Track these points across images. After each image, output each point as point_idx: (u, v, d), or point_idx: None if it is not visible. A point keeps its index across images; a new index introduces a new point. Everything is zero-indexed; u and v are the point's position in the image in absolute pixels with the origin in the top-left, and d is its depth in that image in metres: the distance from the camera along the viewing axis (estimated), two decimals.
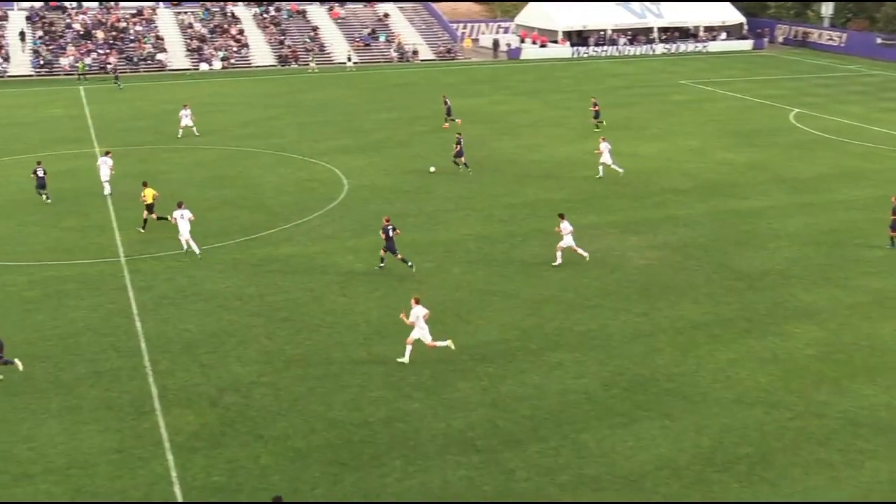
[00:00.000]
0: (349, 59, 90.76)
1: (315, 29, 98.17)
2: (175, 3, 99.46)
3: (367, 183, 45.67)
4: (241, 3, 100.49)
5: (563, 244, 33.75)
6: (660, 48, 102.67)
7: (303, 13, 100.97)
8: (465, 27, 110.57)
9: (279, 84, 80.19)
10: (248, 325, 28.70)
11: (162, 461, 21.18)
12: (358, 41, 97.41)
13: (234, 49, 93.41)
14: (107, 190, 43.52)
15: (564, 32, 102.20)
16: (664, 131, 58.39)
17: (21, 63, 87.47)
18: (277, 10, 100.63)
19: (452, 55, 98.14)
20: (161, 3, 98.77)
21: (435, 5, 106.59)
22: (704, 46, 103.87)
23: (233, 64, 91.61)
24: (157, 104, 70.42)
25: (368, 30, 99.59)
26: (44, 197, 42.61)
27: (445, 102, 60.52)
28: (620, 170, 46.42)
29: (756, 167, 48.98)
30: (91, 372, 25.51)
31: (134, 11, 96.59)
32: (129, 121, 62.12)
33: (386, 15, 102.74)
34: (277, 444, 21.88)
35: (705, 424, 22.83)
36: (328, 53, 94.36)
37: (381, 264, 33.51)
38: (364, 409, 23.52)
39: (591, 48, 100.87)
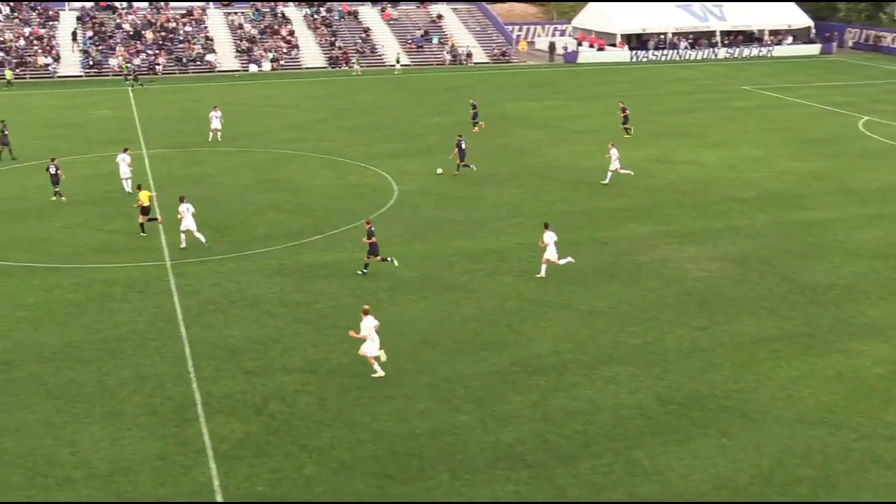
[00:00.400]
0: (397, 62, 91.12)
1: (366, 30, 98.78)
2: (225, 3, 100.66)
3: (417, 188, 45.80)
4: (291, 4, 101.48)
5: (548, 256, 33.36)
6: (722, 52, 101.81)
7: (354, 14, 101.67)
8: (520, 29, 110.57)
9: (329, 86, 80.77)
10: (293, 332, 28.91)
11: (205, 469, 21.39)
12: (410, 43, 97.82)
13: (284, 50, 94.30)
14: (127, 187, 44.50)
15: (623, 35, 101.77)
16: (726, 138, 57.83)
17: (71, 63, 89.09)
18: (329, 10, 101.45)
19: (507, 58, 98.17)
20: (211, 4, 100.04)
21: (490, 7, 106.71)
22: (769, 51, 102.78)
23: (282, 65, 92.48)
24: (205, 106, 71.12)
25: (421, 31, 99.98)
26: (56, 196, 43.56)
27: (473, 107, 60.76)
28: (630, 172, 46.83)
29: (822, 177, 48.32)
30: (135, 377, 25.86)
31: (184, 11, 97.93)
32: (176, 122, 62.95)
33: (439, 16, 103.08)
34: (322, 455, 21.99)
35: (765, 444, 22.53)
36: (379, 55, 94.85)
37: (365, 270, 33.90)
38: (410, 420, 23.55)
39: (650, 52, 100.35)
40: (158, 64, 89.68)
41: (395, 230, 39.08)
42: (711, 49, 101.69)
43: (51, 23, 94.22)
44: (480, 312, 30.29)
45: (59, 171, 43.82)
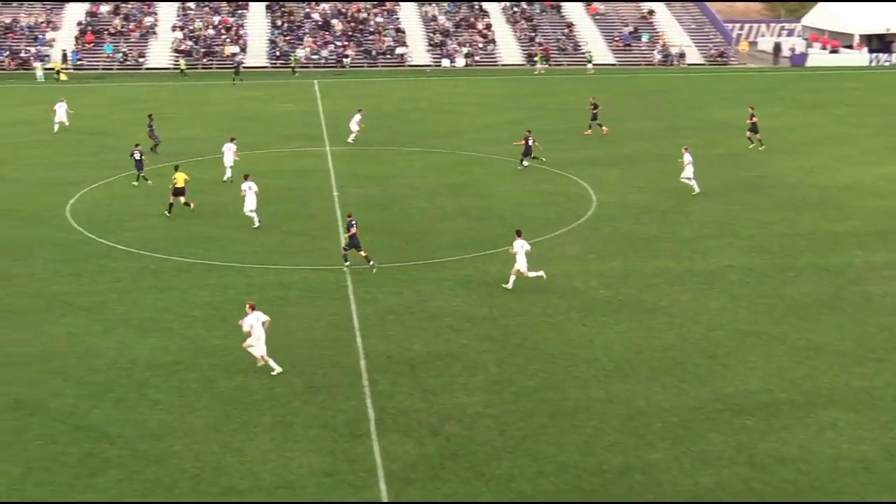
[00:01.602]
0: (589, 62, 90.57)
1: (569, 26, 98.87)
2: None
3: (616, 200, 45.40)
4: None
5: (517, 266, 33.40)
6: None
7: (557, 8, 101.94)
8: (741, 28, 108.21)
9: (525, 85, 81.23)
10: (477, 349, 29.11)
11: (374, 490, 21.77)
12: (617, 40, 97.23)
13: (480, 45, 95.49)
14: (227, 175, 47.04)
15: (862, 36, 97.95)
16: None
17: (257, 54, 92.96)
18: (529, 3, 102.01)
19: (724, 60, 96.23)
20: None
21: (709, 3, 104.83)
22: None
23: (477, 61, 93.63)
24: (393, 102, 73.02)
25: (630, 28, 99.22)
26: (142, 180, 47.37)
27: (594, 106, 60.19)
28: (696, 188, 45.89)
29: None
30: (306, 387, 26.61)
31: (376, 1, 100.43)
32: (362, 119, 64.48)
33: (651, 12, 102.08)
34: (500, 485, 22.02)
35: None
36: (583, 53, 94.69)
37: (347, 263, 35.45)
38: (599, 454, 23.30)
39: (894, 55, 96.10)
40: (346, 56, 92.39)
41: (590, 245, 38.85)
42: None
43: (240, 11, 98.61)
44: (682, 340, 29.69)
45: (143, 157, 47.70)
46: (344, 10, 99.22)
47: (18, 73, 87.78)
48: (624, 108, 69.82)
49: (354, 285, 34.20)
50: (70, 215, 42.89)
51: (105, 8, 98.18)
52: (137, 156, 47.37)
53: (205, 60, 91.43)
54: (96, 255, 37.55)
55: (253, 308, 27.36)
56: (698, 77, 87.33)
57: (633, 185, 47.95)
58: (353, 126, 58.22)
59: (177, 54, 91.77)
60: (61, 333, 29.98)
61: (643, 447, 23.60)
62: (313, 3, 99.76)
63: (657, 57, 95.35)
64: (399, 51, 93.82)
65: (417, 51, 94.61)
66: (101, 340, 29.37)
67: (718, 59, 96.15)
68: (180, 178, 42.51)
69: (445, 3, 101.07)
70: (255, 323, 27.13)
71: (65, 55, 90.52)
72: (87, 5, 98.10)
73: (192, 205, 42.60)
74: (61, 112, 61.72)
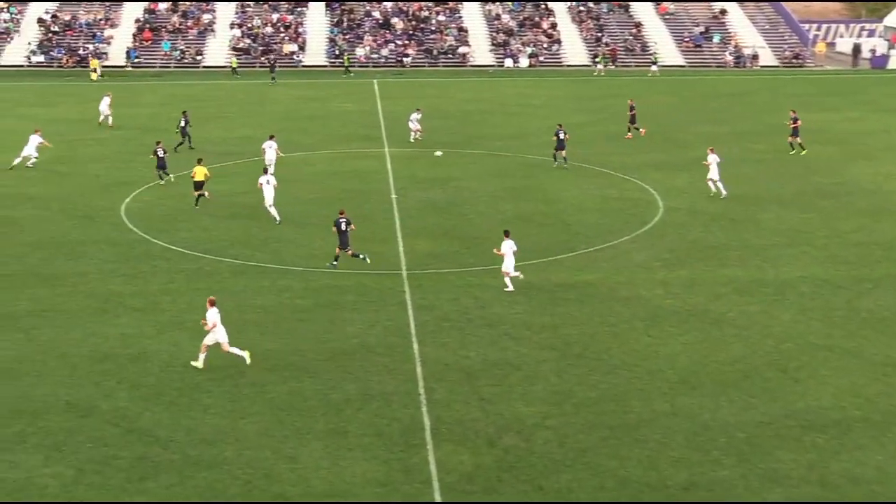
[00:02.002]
0: (654, 63, 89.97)
1: (638, 25, 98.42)
2: None
3: (684, 206, 45.09)
4: None
5: (505, 268, 33.97)
6: None
7: (625, 7, 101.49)
8: (818, 29, 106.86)
9: (591, 86, 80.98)
10: (536, 358, 29.06)
11: (429, 501, 21.82)
12: (687, 41, 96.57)
13: (545, 45, 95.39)
14: (270, 171, 47.02)
15: None
16: None
17: (316, 52, 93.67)
18: (596, 2, 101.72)
19: (800, 62, 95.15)
20: None
21: (784, 3, 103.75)
22: None
23: (541, 62, 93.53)
24: (455, 103, 73.16)
25: (701, 29, 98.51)
26: (168, 177, 48.47)
27: (631, 108, 60.22)
28: (723, 192, 45.84)
29: None
30: (361, 394, 26.74)
31: None
32: (422, 120, 64.67)
33: (723, 12, 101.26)
34: (559, 498, 21.95)
35: None
36: (650, 53, 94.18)
37: (335, 262, 36.32)
38: (662, 469, 23.14)
39: None
40: (407, 55, 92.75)
41: (656, 252, 38.61)
42: None
43: (299, 9, 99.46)
44: (751, 353, 29.40)
45: (166, 154, 48.91)
46: (405, 9, 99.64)
47: (76, 71, 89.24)
48: (693, 112, 69.36)
49: (412, 290, 34.32)
50: (125, 215, 43.53)
51: (163, 5, 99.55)
52: (161, 153, 48.52)
53: (262, 59, 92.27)
54: (150, 256, 38.07)
55: (213, 304, 28.22)
56: (772, 80, 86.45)
57: (702, 190, 47.56)
58: (412, 125, 58.45)
59: (234, 52, 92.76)
60: (114, 334, 30.43)
61: (708, 463, 23.40)
62: (374, 2, 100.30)
63: (729, 59, 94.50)
64: (461, 50, 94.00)
65: (480, 50, 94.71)
66: (153, 342, 29.76)
67: (793, 61, 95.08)
68: (200, 172, 44.24)
69: (510, 2, 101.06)
70: (216, 318, 28.00)
71: (129, 53, 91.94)
72: (145, 2, 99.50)
73: (207, 193, 44.40)
74: (104, 106, 63.55)
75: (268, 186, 42.13)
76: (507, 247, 34.12)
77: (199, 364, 28.06)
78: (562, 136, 51.66)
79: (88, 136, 61.12)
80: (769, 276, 36.19)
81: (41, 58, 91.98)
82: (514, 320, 31.86)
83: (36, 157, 52.07)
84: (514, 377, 27.80)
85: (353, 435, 24.55)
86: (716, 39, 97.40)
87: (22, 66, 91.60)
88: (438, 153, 51.44)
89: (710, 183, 46.44)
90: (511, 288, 34.15)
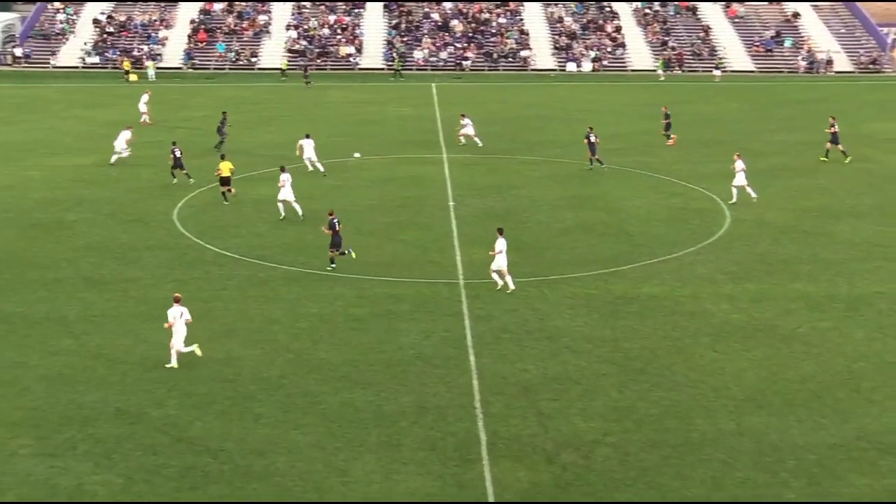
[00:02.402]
0: (716, 67, 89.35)
1: (706, 29, 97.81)
2: None
3: (753, 217, 44.68)
4: None
5: (500, 265, 34.69)
6: None
7: (693, 10, 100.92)
8: None
9: (657, 92, 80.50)
10: (596, 372, 28.93)
11: None
12: (757, 45, 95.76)
13: (609, 49, 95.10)
14: (315, 168, 49.39)
15: None
16: None
17: (373, 55, 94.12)
18: (663, 5, 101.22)
19: (877, 67, 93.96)
20: None
21: (861, 5, 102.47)
22: None
23: (605, 66, 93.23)
24: (515, 108, 73.17)
25: (771, 32, 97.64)
26: (183, 177, 49.85)
27: (666, 116, 60.17)
28: (753, 195, 46.26)
29: None
30: (416, 406, 26.76)
31: (499, 1, 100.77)
32: (481, 125, 64.69)
33: (795, 15, 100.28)
34: None
35: None
36: (720, 58, 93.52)
37: (351, 254, 37.33)
38: (727, 490, 22.92)
39: None
40: (466, 59, 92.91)
41: (723, 265, 38.28)
42: None
43: (356, 10, 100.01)
44: (822, 371, 29.04)
45: (182, 155, 50.17)
46: (465, 11, 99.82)
47: (130, 72, 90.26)
48: (762, 120, 68.79)
49: (469, 301, 34.32)
50: (177, 219, 44.01)
51: (218, 6, 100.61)
52: (178, 153, 49.91)
53: (319, 61, 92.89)
54: (203, 262, 38.44)
55: (178, 301, 29.06)
56: (847, 86, 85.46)
57: (772, 201, 47.14)
58: (468, 130, 58.72)
59: (289, 54, 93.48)
60: (165, 341, 30.70)
61: (776, 486, 23.14)
62: (433, 3, 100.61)
63: (801, 64, 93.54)
64: (522, 54, 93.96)
65: (542, 54, 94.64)
66: (205, 350, 29.98)
67: (870, 66, 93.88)
68: (225, 168, 45.94)
69: (573, 4, 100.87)
70: (176, 316, 28.83)
71: (189, 55, 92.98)
72: (200, 3, 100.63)
73: (232, 189, 46.26)
74: (142, 104, 65.88)
75: (287, 184, 43.67)
76: (501, 244, 34.83)
77: (173, 364, 28.97)
78: (592, 139, 52.74)
79: (142, 139, 61.80)
80: (842, 291, 35.73)
81: (96, 59, 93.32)
82: (574, 333, 31.75)
83: (126, 153, 54.78)
84: (574, 392, 27.69)
85: (407, 448, 24.57)
86: (787, 44, 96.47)
87: (77, 67, 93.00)
88: (356, 155, 52.21)
89: (733, 189, 46.72)
90: (500, 283, 35.07)
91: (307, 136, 52.37)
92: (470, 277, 36.56)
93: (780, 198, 48.12)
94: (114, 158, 54.42)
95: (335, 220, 37.23)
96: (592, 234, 42.09)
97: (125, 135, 55.17)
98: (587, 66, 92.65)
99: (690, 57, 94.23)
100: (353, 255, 37.44)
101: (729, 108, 73.31)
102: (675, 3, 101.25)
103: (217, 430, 25.30)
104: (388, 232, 42.33)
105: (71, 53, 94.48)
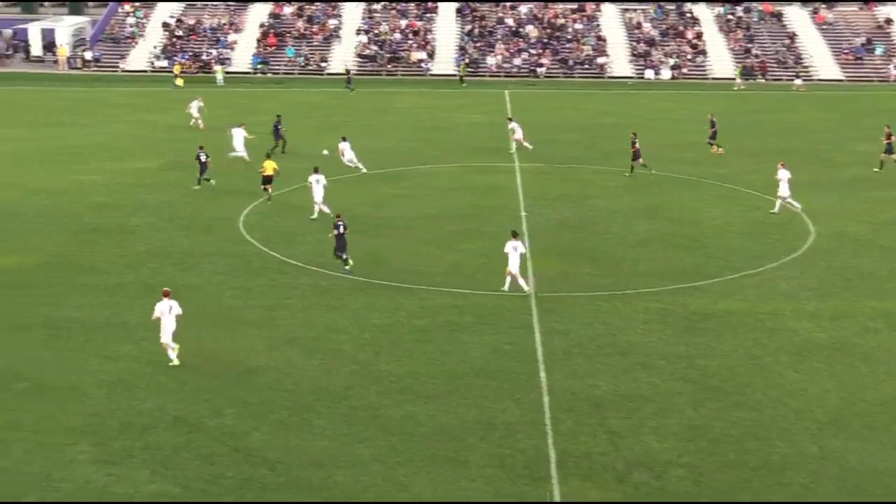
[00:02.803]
0: (797, 76, 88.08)
1: (792, 36, 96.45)
2: None
3: (833, 230, 43.95)
4: (702, 2, 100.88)
5: (510, 267, 35.48)
6: None
7: (778, 16, 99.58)
8: None
9: (738, 101, 79.63)
10: (670, 390, 28.53)
11: None
12: (847, 53, 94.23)
13: (689, 56, 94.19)
14: (362, 169, 51.93)
15: None
16: None
17: (445, 61, 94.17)
18: (746, 10, 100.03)
19: None
20: None
21: None
22: None
23: (684, 74, 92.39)
24: (591, 116, 72.77)
25: (862, 39, 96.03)
26: (203, 182, 50.27)
27: (712, 124, 60.06)
28: (796, 205, 46.23)
29: None
30: (482, 422, 26.56)
31: (575, 7, 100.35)
32: (555, 132, 64.67)
33: (889, 21, 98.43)
34: None
35: None
36: (806, 66, 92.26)
37: (347, 266, 37.65)
38: None
39: None
40: (541, 65, 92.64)
41: (805, 281, 37.64)
42: None
43: (428, 15, 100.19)
44: (875, 392, 28.42)
45: (208, 160, 50.38)
46: (540, 16, 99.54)
47: (198, 77, 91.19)
48: (848, 129, 67.77)
49: (540, 314, 34.05)
50: (242, 226, 44.24)
51: (288, 9, 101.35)
52: (203, 157, 50.32)
53: (389, 66, 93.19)
54: (267, 269, 38.59)
55: (167, 295, 29.47)
56: None
57: (854, 214, 46.34)
58: (517, 135, 58.55)
59: (360, 59, 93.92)
60: (224, 349, 30.87)
61: None
62: (507, 8, 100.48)
63: (893, 72, 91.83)
64: (599, 60, 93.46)
65: (619, 61, 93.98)
66: (265, 359, 30.09)
67: None
68: (269, 167, 47.00)
69: (651, 9, 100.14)
70: (165, 311, 29.19)
71: (264, 61, 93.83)
72: (270, 6, 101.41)
73: (270, 197, 47.30)
74: (194, 109, 66.56)
75: (317, 185, 44.51)
76: (511, 247, 35.40)
77: (175, 362, 29.56)
78: (636, 144, 53.50)
79: (207, 144, 62.31)
80: None
81: (164, 62, 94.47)
82: (648, 349, 31.39)
83: (244, 153, 55.69)
84: (647, 409, 27.35)
85: (474, 465, 24.41)
86: (878, 51, 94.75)
87: (145, 71, 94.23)
88: (325, 152, 52.29)
89: (778, 200, 46.44)
90: (528, 288, 35.51)
91: (344, 139, 53.20)
92: (541, 290, 36.25)
93: (861, 209, 47.39)
94: (231, 155, 55.38)
95: (340, 223, 37.76)
96: (668, 247, 41.63)
97: (239, 133, 56.12)
98: (666, 74, 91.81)
99: (774, 65, 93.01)
100: (349, 265, 37.67)
101: (814, 116, 72.32)
102: (759, 9, 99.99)
103: (275, 441, 25.32)
104: (450, 240, 42.22)
105: (140, 57, 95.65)
